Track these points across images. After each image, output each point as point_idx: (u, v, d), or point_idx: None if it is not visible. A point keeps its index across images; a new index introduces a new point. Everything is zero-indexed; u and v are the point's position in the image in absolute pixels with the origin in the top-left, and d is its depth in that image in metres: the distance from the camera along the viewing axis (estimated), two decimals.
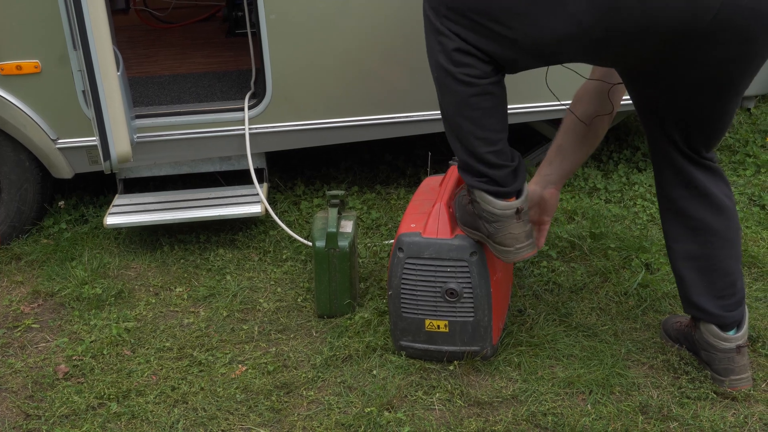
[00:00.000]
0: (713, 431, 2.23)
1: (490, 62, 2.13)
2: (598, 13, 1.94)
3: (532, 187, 2.55)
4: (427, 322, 2.45)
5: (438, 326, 2.45)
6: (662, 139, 2.29)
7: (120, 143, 2.92)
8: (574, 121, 2.55)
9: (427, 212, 2.45)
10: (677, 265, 2.40)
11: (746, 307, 2.39)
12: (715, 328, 2.34)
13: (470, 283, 2.37)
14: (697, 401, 2.34)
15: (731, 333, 2.34)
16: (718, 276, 2.34)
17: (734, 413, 2.29)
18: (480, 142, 2.19)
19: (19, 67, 3.11)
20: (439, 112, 3.32)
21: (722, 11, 1.90)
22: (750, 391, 2.36)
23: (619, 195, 3.63)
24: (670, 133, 2.25)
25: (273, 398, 2.42)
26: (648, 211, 3.45)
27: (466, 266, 2.36)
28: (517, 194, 2.25)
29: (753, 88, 3.56)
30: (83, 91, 3.10)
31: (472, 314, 2.41)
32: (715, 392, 2.36)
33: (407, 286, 2.43)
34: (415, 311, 2.45)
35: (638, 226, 3.34)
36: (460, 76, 2.13)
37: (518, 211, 2.23)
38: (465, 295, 2.39)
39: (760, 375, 2.43)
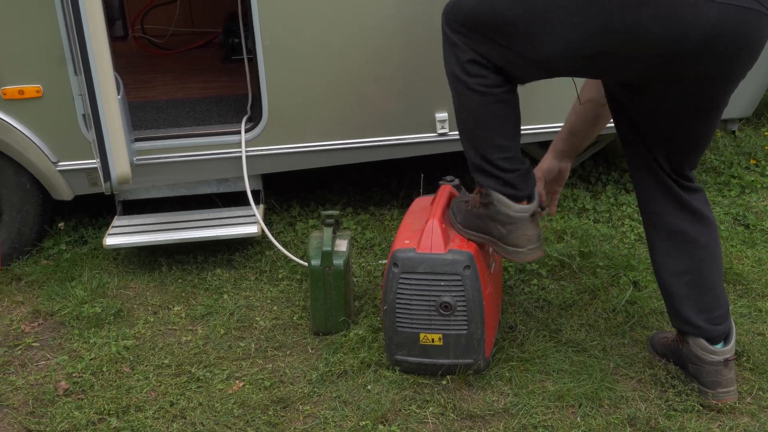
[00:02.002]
0: None
1: (502, 73, 2.26)
2: (589, 36, 2.06)
3: (548, 162, 2.72)
4: (422, 335, 2.51)
5: (432, 339, 2.51)
6: (650, 164, 2.37)
7: (120, 165, 2.99)
8: (586, 105, 2.62)
9: (421, 229, 2.52)
10: (665, 281, 2.46)
11: (733, 322, 2.46)
12: (703, 341, 2.39)
13: (464, 296, 2.44)
14: (683, 413, 2.40)
15: (719, 346, 2.40)
16: (705, 290, 2.40)
17: (720, 425, 2.35)
18: (494, 148, 2.31)
19: (21, 92, 3.18)
20: (430, 134, 3.45)
21: (708, 33, 2.00)
22: (735, 403, 2.41)
23: (608, 215, 3.71)
24: (657, 158, 2.34)
25: (270, 413, 2.47)
26: (636, 231, 3.52)
27: (460, 280, 2.43)
28: (529, 198, 2.35)
29: (736, 111, 3.66)
30: (83, 115, 3.18)
31: (465, 327, 2.47)
32: (701, 405, 2.41)
33: (402, 301, 2.50)
34: (410, 325, 2.51)
35: (626, 245, 3.42)
36: (475, 85, 2.26)
37: (533, 214, 2.35)
38: (459, 308, 2.45)
39: (745, 388, 2.49)
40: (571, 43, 2.09)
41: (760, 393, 2.47)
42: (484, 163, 2.34)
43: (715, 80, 2.13)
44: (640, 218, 3.56)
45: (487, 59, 2.24)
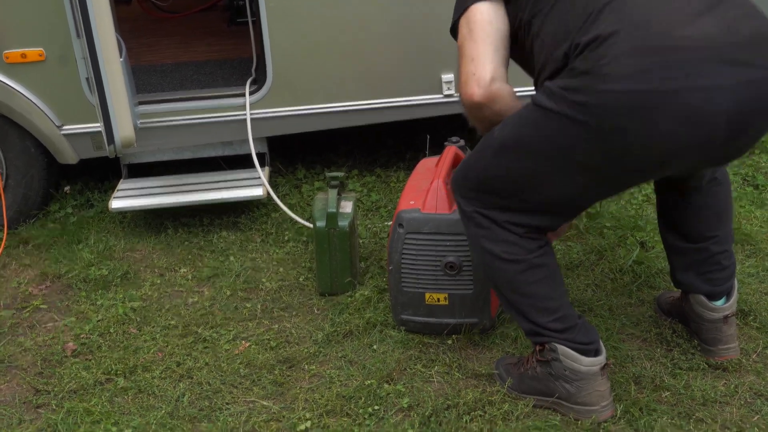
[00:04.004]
0: (704, 400, 2.28)
1: (532, 237, 2.13)
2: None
3: None
4: (427, 295, 2.51)
5: (438, 299, 2.51)
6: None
7: (123, 128, 2.98)
8: None
9: (426, 189, 2.51)
10: (671, 250, 2.45)
11: (736, 279, 2.44)
12: (702, 298, 2.38)
13: (469, 256, 2.43)
14: (689, 372, 2.39)
15: (719, 303, 2.38)
16: (709, 265, 2.37)
17: (725, 383, 2.35)
18: (541, 312, 2.16)
19: (23, 56, 3.17)
20: (436, 95, 3.42)
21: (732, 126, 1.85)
22: (741, 360, 2.41)
23: None
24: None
25: (276, 372, 2.48)
26: (643, 192, 3.50)
27: (465, 240, 2.42)
28: (596, 352, 2.19)
29: None
30: (87, 78, 3.16)
31: (471, 287, 2.47)
32: (707, 363, 2.41)
33: (407, 261, 2.49)
34: (416, 285, 2.51)
35: (633, 206, 3.40)
36: (505, 255, 2.12)
37: (604, 367, 2.19)
38: (464, 268, 2.45)
39: (751, 346, 2.49)
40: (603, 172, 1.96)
41: (766, 351, 2.47)
42: (536, 327, 2.18)
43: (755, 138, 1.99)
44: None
45: (514, 223, 2.11)
